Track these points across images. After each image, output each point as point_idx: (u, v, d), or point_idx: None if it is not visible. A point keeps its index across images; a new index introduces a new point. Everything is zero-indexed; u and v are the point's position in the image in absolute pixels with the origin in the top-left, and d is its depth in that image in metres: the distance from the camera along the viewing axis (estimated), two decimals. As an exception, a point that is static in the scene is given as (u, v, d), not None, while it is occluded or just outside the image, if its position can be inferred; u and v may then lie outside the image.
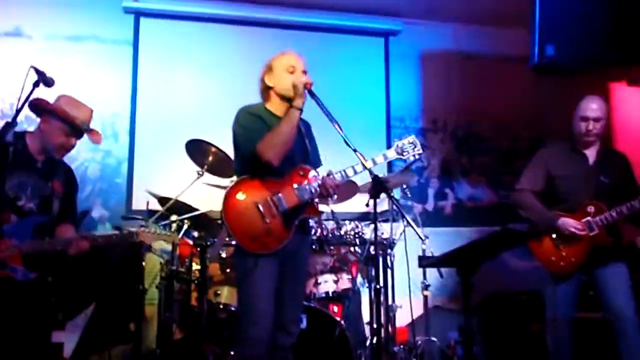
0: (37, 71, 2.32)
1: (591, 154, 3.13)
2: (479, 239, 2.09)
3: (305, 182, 2.55)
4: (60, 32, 4.59)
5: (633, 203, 2.90)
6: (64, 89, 4.13)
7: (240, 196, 2.51)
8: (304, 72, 2.61)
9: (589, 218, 3.01)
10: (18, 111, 2.33)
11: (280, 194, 2.50)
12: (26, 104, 2.42)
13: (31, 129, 2.92)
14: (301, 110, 2.52)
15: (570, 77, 4.37)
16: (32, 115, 2.89)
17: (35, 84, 2.34)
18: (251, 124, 2.55)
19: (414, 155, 2.66)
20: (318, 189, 2.51)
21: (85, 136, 2.84)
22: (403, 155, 2.66)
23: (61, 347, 3.12)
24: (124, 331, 3.56)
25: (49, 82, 2.39)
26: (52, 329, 2.88)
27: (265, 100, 2.69)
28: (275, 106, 2.63)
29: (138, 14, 4.71)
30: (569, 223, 3.00)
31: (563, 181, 3.11)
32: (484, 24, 5.23)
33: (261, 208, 2.47)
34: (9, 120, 2.32)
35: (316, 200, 2.58)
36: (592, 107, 3.08)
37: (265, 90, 2.67)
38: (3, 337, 2.42)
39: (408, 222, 2.29)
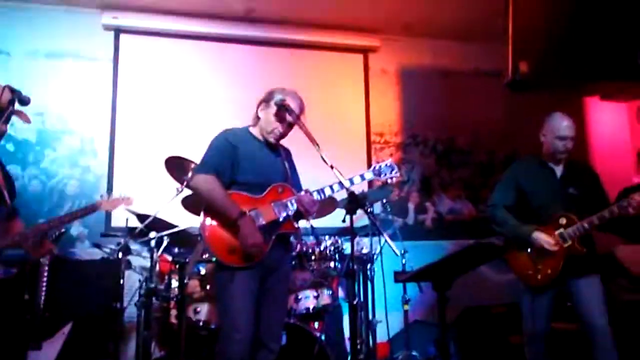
0: (12, 90, 2.31)
1: (559, 167, 3.22)
2: (453, 253, 2.12)
3: (284, 199, 2.59)
4: (40, 49, 4.58)
5: (603, 213, 2.96)
6: (44, 105, 4.12)
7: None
8: (299, 115, 2.66)
9: (561, 230, 3.07)
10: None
11: (257, 209, 2.53)
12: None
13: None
14: (278, 137, 2.70)
15: (545, 92, 4.47)
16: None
17: (11, 103, 2.33)
18: (220, 151, 2.61)
19: (390, 178, 2.80)
20: (295, 205, 2.55)
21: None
22: (380, 177, 2.79)
23: (37, 367, 3.06)
24: (103, 350, 3.51)
25: (24, 101, 2.38)
26: (29, 348, 2.84)
27: (253, 124, 2.76)
28: (259, 131, 2.73)
29: (118, 30, 4.72)
30: (542, 238, 3.05)
31: (534, 195, 3.19)
32: (460, 39, 5.32)
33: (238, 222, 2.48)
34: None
35: (293, 216, 2.61)
36: (568, 125, 3.17)
37: (257, 118, 2.75)
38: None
39: (385, 238, 2.33)
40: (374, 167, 2.80)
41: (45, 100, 4.47)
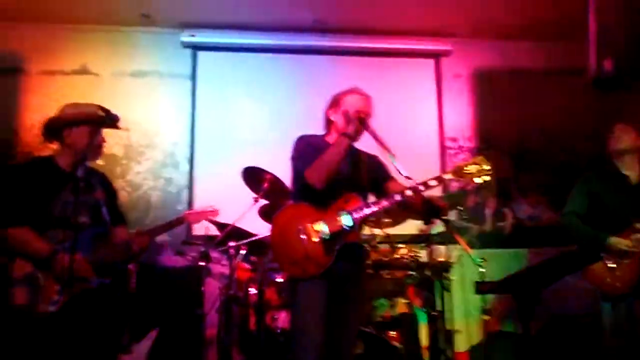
0: (103, 109, 2.47)
1: (631, 173, 3.20)
2: (537, 264, 2.04)
3: (349, 208, 2.55)
4: (125, 69, 4.87)
5: None
6: (128, 121, 4.36)
7: (285, 221, 2.57)
8: (368, 114, 2.62)
9: (638, 235, 2.99)
10: (88, 145, 2.49)
11: (322, 220, 2.52)
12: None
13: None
14: (350, 136, 2.56)
15: (628, 90, 4.23)
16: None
17: (101, 122, 2.48)
18: (305, 152, 2.61)
19: (479, 177, 2.45)
20: (361, 215, 2.53)
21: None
22: (463, 177, 2.49)
23: (128, 370, 3.24)
24: (186, 355, 3.66)
25: (113, 119, 2.53)
26: (119, 352, 3.01)
27: (326, 133, 2.75)
28: (334, 139, 2.65)
29: (195, 47, 4.94)
30: (620, 241, 3.00)
31: (607, 202, 3.14)
32: (533, 39, 5.14)
33: (302, 233, 2.50)
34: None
35: (359, 224, 2.56)
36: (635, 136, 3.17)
37: (328, 123, 2.74)
38: (68, 359, 2.52)
39: (463, 247, 2.25)
40: (456, 167, 2.52)
41: (131, 117, 4.74)
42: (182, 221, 3.08)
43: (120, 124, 2.56)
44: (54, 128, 2.75)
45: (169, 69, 4.91)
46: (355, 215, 2.52)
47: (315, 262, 2.48)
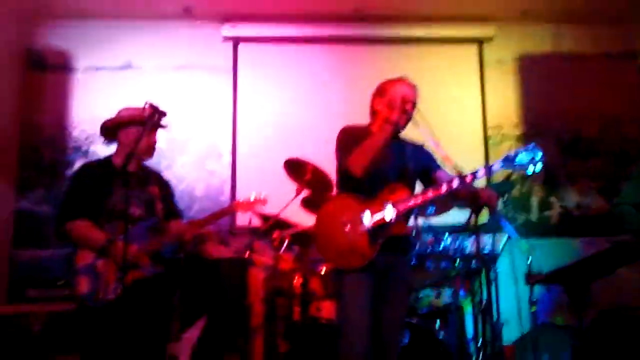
0: (152, 105, 2.52)
1: None
2: (590, 255, 1.97)
3: (393, 200, 2.53)
4: (167, 62, 4.95)
5: None
6: (172, 115, 4.43)
7: (330, 212, 2.59)
8: (414, 104, 2.60)
9: None
10: (137, 141, 2.56)
11: (367, 211, 2.51)
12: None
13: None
14: (393, 125, 2.52)
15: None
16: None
17: (150, 117, 2.55)
18: (348, 143, 2.60)
19: (532, 165, 2.32)
20: (406, 207, 2.50)
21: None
22: (515, 167, 2.38)
23: (176, 358, 3.33)
24: (233, 344, 3.72)
25: (161, 113, 2.60)
26: (169, 341, 3.09)
27: (371, 123, 2.73)
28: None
29: (236, 40, 4.97)
30: None
31: None
32: (584, 22, 4.96)
33: (346, 225, 2.50)
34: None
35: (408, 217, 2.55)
36: None
37: (373, 113, 2.72)
38: (125, 345, 2.63)
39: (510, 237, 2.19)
40: (507, 156, 2.39)
41: (174, 110, 4.79)
42: (231, 211, 3.19)
43: (165, 120, 2.65)
44: (109, 129, 2.97)
45: (210, 62, 4.95)
46: (400, 207, 2.50)
47: (359, 254, 2.48)
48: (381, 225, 2.49)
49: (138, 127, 2.84)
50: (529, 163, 2.31)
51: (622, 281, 4.38)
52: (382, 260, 2.51)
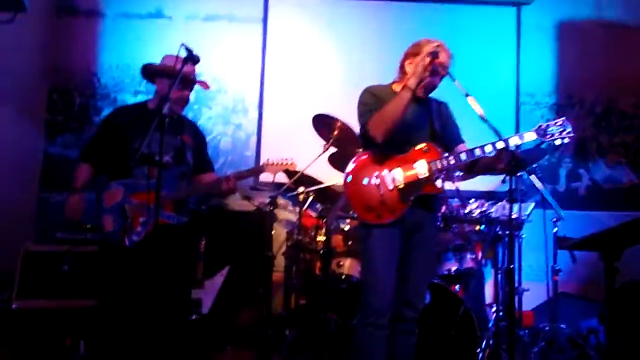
0: (187, 48, 2.50)
1: None
2: (629, 221, 1.93)
3: (427, 159, 2.53)
4: (198, 12, 4.88)
5: None
6: (201, 66, 4.40)
7: (361, 168, 2.59)
8: (446, 67, 2.55)
9: None
10: (170, 86, 2.55)
11: (399, 168, 2.52)
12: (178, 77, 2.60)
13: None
14: (413, 90, 2.49)
15: None
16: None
17: (185, 61, 2.53)
18: (369, 103, 2.59)
19: (562, 138, 2.44)
20: (438, 167, 2.49)
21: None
22: (545, 138, 2.47)
23: (200, 303, 3.41)
24: (254, 294, 3.80)
25: (195, 59, 2.58)
26: (193, 286, 3.16)
27: (395, 81, 2.70)
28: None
29: (269, -9, 4.87)
30: None
31: None
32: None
33: (378, 180, 2.51)
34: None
35: (439, 177, 2.55)
36: None
37: (402, 72, 2.67)
38: (150, 288, 2.67)
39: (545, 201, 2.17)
40: (539, 126, 2.48)
41: (202, 61, 4.76)
42: (262, 170, 3.16)
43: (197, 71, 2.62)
44: (148, 74, 3.00)
45: (240, 13, 4.87)
46: (433, 166, 2.50)
47: (390, 209, 2.49)
48: (413, 183, 2.49)
49: (169, 80, 2.82)
50: (560, 135, 2.44)
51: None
52: (412, 216, 2.52)
